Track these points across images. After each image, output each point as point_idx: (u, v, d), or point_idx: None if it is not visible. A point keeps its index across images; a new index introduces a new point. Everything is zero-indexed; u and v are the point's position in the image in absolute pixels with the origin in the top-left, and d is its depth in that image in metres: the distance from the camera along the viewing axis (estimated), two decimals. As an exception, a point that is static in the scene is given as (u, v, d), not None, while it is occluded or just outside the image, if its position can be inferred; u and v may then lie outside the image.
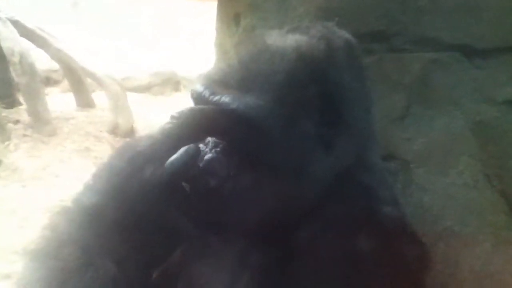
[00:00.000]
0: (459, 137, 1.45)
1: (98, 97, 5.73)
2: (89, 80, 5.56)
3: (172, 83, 7.09)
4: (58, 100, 5.72)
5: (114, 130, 5.06)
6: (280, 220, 1.07)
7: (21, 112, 5.06)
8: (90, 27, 7.85)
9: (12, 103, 5.10)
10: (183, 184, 1.03)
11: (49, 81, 6.36)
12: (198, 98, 1.09)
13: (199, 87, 1.09)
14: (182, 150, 1.00)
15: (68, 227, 1.11)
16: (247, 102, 1.02)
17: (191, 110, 1.06)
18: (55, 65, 5.83)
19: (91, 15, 8.30)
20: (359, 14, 1.43)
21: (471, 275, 1.44)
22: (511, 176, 1.43)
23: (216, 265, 1.14)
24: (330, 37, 1.13)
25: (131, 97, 5.60)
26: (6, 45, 4.85)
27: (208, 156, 1.04)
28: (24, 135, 4.80)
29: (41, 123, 4.89)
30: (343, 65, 1.12)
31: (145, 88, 6.80)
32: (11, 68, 4.91)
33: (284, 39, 1.11)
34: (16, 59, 4.77)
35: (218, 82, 1.08)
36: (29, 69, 4.81)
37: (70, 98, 5.68)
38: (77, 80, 5.56)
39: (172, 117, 1.05)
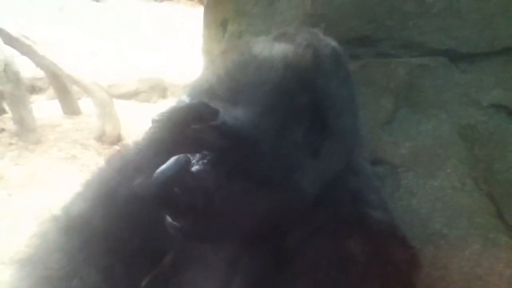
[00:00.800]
0: (446, 141, 1.46)
1: (84, 104, 5.69)
2: (75, 87, 5.52)
3: (159, 89, 7.07)
4: (44, 108, 5.67)
5: (101, 137, 5.04)
6: (270, 227, 1.08)
7: (6, 120, 5.02)
8: (77, 32, 7.80)
9: (-3, 112, 5.06)
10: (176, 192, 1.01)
11: (34, 88, 6.32)
12: None
13: (185, 98, 1.09)
14: (172, 159, 0.98)
15: (56, 235, 1.10)
16: (234, 115, 1.02)
17: (171, 110, 1.04)
18: (40, 73, 5.78)
19: (79, 19, 8.26)
20: (346, 19, 1.44)
21: (460, 277, 1.45)
22: (497, 178, 1.44)
23: (207, 271, 1.14)
24: (316, 44, 1.13)
25: (118, 104, 5.57)
26: (-10, 53, 4.82)
27: (195, 168, 1.03)
28: (10, 144, 4.76)
29: (26, 131, 4.85)
30: (330, 73, 1.12)
31: (132, 95, 6.77)
32: (-5, 76, 4.87)
33: (271, 48, 1.10)
34: (0, 67, 4.73)
35: (205, 93, 1.07)
36: (13, 77, 4.77)
37: (56, 106, 5.63)
38: (63, 88, 5.52)
39: (153, 120, 1.04)
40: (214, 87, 1.07)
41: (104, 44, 7.70)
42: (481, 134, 1.45)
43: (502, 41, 1.43)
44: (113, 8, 9.00)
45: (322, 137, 1.09)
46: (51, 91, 6.02)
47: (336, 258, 1.05)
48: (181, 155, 1.00)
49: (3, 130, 4.88)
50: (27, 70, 5.62)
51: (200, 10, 1.97)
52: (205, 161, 1.04)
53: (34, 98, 6.01)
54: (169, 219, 1.04)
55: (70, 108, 5.61)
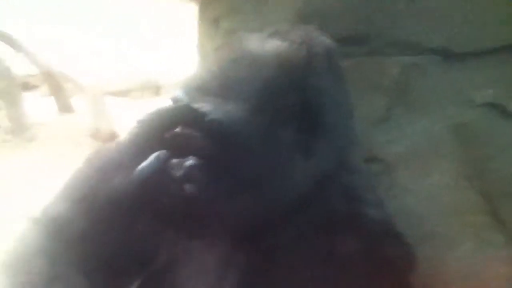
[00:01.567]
0: (439, 139, 1.46)
1: (78, 101, 5.68)
2: (68, 85, 5.51)
3: (153, 87, 7.06)
4: (37, 105, 5.66)
5: (94, 135, 5.03)
6: (261, 225, 1.07)
7: (0, 118, 5.00)
8: (71, 30, 7.77)
9: (-10, 109, 5.04)
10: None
11: (27, 86, 6.30)
12: (176, 103, 1.09)
13: (178, 94, 1.09)
14: (152, 156, 0.98)
15: (37, 239, 1.07)
16: (226, 110, 1.02)
17: (156, 111, 1.04)
18: (33, 70, 5.77)
19: (72, 17, 8.22)
20: (338, 17, 1.44)
21: (455, 275, 1.45)
22: (491, 177, 1.44)
23: (198, 270, 1.14)
24: (310, 42, 1.13)
25: (111, 101, 5.57)
26: (-18, 51, 4.80)
27: (189, 162, 1.03)
28: (4, 141, 4.74)
29: (20, 128, 4.84)
30: (323, 71, 1.13)
31: (125, 93, 6.76)
32: (-12, 74, 4.85)
33: (264, 45, 1.11)
34: (-7, 64, 4.71)
35: (198, 88, 1.07)
36: (6, 74, 4.76)
37: (49, 103, 5.62)
38: (56, 85, 5.52)
39: (138, 121, 1.03)
40: (208, 83, 1.08)
41: (97, 41, 7.67)
42: (474, 132, 1.45)
43: (493, 40, 1.43)
44: (105, 5, 8.97)
45: (314, 135, 1.09)
46: (44, 89, 6.01)
47: (331, 256, 1.05)
48: (161, 152, 0.99)
49: (-4, 127, 4.88)
50: (21, 67, 5.60)
51: (193, 7, 1.96)
52: (192, 159, 1.03)
53: (27, 95, 5.98)
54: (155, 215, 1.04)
55: (64, 106, 5.60)
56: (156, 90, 7.03)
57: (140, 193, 0.98)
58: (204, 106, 1.03)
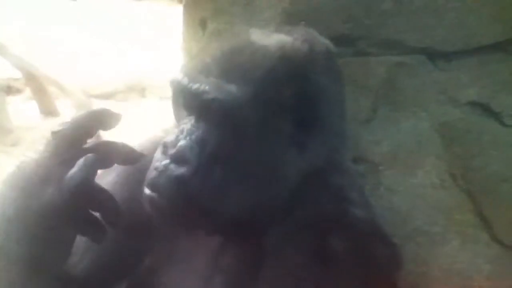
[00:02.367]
0: (425, 138, 1.47)
1: (63, 105, 5.63)
2: (52, 88, 5.46)
3: (138, 89, 7.02)
4: (21, 109, 5.60)
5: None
6: (250, 219, 1.08)
7: (-17, 122, 4.95)
8: (55, 31, 7.70)
9: (-28, 113, 4.98)
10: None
11: (11, 89, 6.23)
12: (177, 85, 1.10)
13: (178, 75, 1.10)
14: (80, 161, 0.95)
15: None
16: (227, 91, 1.03)
17: (71, 121, 1.01)
18: (16, 74, 5.71)
19: (57, 18, 8.15)
20: (324, 18, 1.44)
21: (440, 273, 1.47)
22: (475, 175, 1.46)
23: (187, 271, 1.13)
24: (312, 41, 1.15)
25: (96, 104, 5.53)
26: (-36, 54, 4.74)
27: (182, 142, 1.04)
28: (-14, 145, 4.69)
29: (3, 132, 4.78)
30: (323, 69, 1.14)
31: (110, 95, 6.71)
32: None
33: (268, 38, 1.12)
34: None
35: (199, 70, 1.08)
36: (-12, 78, 4.71)
37: (33, 107, 5.56)
38: (40, 88, 5.46)
39: (53, 132, 0.99)
40: (209, 65, 1.08)
41: (81, 43, 7.62)
42: (459, 131, 1.47)
43: (477, 39, 1.45)
44: (92, 7, 8.90)
45: (309, 131, 1.10)
46: (28, 92, 5.95)
47: (317, 255, 1.06)
48: (88, 156, 0.96)
49: (-21, 132, 4.81)
50: (3, 70, 5.54)
51: (179, 9, 1.95)
52: (192, 137, 1.05)
53: (10, 99, 5.91)
54: (146, 190, 1.04)
55: (48, 109, 5.54)
56: (141, 91, 6.99)
57: (74, 201, 0.94)
58: (204, 85, 1.04)
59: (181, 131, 1.07)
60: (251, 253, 1.09)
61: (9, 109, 4.97)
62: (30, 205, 0.97)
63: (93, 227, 1.00)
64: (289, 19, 1.42)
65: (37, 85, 5.41)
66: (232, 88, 1.03)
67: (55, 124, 1.01)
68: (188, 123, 1.09)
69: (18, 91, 6.36)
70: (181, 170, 1.02)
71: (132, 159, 1.02)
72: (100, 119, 1.01)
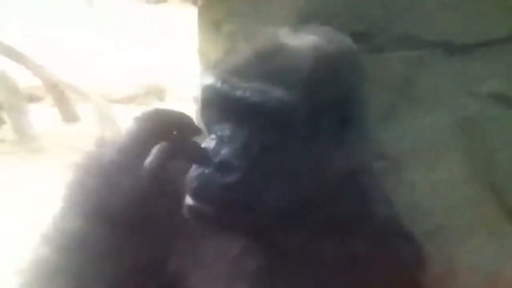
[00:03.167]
0: (446, 133, 1.46)
1: (83, 110, 5.69)
2: (73, 94, 5.53)
3: (157, 93, 7.07)
4: (43, 116, 5.68)
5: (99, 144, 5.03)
6: (286, 219, 1.07)
7: (5, 131, 5.02)
8: (73, 36, 7.79)
9: (-5, 123, 5.06)
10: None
11: (32, 97, 6.32)
12: (213, 91, 1.08)
13: (211, 79, 1.08)
14: (155, 149, 0.97)
15: (53, 256, 1.04)
16: (271, 95, 1.02)
17: (155, 111, 1.03)
18: (37, 81, 5.79)
19: (73, 23, 8.25)
20: (340, 16, 1.44)
21: (465, 269, 1.45)
22: (499, 169, 1.44)
23: (209, 274, 1.13)
24: (337, 40, 1.16)
25: (116, 109, 5.58)
26: (-15, 64, 4.82)
27: (225, 150, 1.03)
28: (10, 153, 4.76)
29: (26, 140, 4.85)
30: (352, 67, 1.16)
31: (130, 99, 6.77)
32: (-8, 87, 4.87)
33: (297, 39, 1.11)
34: (-3, 77, 4.74)
35: (231, 72, 1.07)
36: (10, 87, 4.77)
37: (54, 114, 5.64)
38: (60, 95, 5.53)
39: (135, 118, 1.02)
40: (242, 68, 1.07)
41: (100, 48, 7.69)
42: (480, 125, 1.45)
43: (495, 30, 1.43)
44: (107, 11, 8.99)
45: (348, 129, 1.10)
46: (49, 99, 6.03)
47: (342, 255, 1.05)
48: (162, 144, 0.98)
49: (2, 140, 4.89)
50: (24, 79, 5.62)
51: (193, 11, 1.96)
52: (236, 141, 1.03)
53: (32, 106, 6.00)
54: (189, 201, 1.03)
55: (69, 115, 5.62)
56: (160, 94, 7.03)
57: (153, 189, 0.97)
58: (248, 91, 1.03)
59: (221, 138, 1.05)
60: (274, 255, 1.09)
61: (30, 116, 5.04)
62: (109, 194, 1.00)
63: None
64: (304, 18, 1.42)
65: (57, 92, 5.49)
66: (276, 92, 1.02)
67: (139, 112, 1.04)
68: (226, 129, 1.06)
69: (39, 98, 6.45)
70: (229, 178, 1.01)
71: (201, 158, 1.02)
72: (181, 123, 1.03)
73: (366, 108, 1.20)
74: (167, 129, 1.02)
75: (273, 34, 1.13)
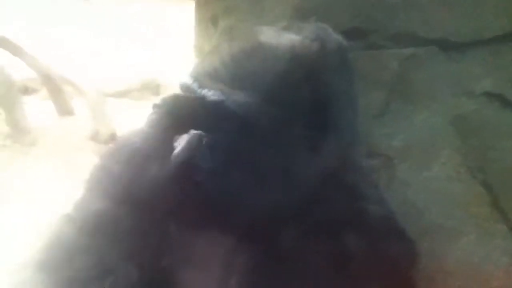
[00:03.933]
0: (439, 131, 1.46)
1: (78, 104, 5.66)
2: (68, 87, 5.50)
3: (152, 87, 7.03)
4: (37, 109, 5.64)
5: (94, 137, 5.01)
6: (266, 220, 1.07)
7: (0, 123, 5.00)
8: (69, 31, 7.76)
9: (-11, 114, 5.03)
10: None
11: (27, 90, 6.27)
12: (186, 90, 1.09)
13: (188, 80, 1.09)
14: (184, 139, 0.98)
15: (76, 235, 1.05)
16: (236, 99, 1.02)
17: (174, 97, 1.03)
18: (32, 74, 5.75)
19: (70, 18, 8.21)
20: (335, 12, 1.44)
21: (457, 267, 1.45)
22: (492, 167, 1.44)
23: (202, 273, 1.13)
24: (324, 38, 1.14)
25: (111, 102, 5.55)
26: (-21, 56, 4.79)
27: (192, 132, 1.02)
28: (3, 146, 4.73)
29: (20, 133, 4.83)
30: (335, 68, 1.14)
31: (124, 93, 6.73)
32: (-14, 79, 4.84)
33: (278, 38, 1.11)
34: (-10, 69, 4.70)
35: (208, 76, 1.08)
36: (5, 79, 4.75)
37: (49, 107, 5.60)
38: (56, 88, 5.49)
39: (155, 105, 1.02)
40: (219, 71, 1.08)
41: (95, 43, 7.66)
42: (474, 123, 1.45)
43: (490, 30, 1.43)
44: (103, 7, 8.95)
45: (322, 132, 1.09)
46: (44, 92, 5.99)
47: (334, 253, 1.06)
48: (193, 133, 0.98)
49: (-4, 132, 4.87)
50: (19, 71, 5.58)
51: (190, 7, 1.96)
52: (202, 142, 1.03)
53: (27, 99, 5.96)
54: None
55: (64, 109, 5.57)
56: (156, 89, 7.00)
57: (180, 178, 0.98)
58: (215, 94, 1.04)
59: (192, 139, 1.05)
60: (267, 254, 1.09)
61: (25, 109, 5.01)
62: (137, 179, 1.01)
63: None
64: (300, 15, 1.42)
65: (52, 85, 5.44)
66: (243, 94, 1.03)
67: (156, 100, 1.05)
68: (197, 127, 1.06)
69: (34, 91, 6.41)
70: (194, 177, 1.01)
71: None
72: (198, 103, 1.04)
73: (354, 106, 1.20)
74: (186, 114, 1.03)
75: (253, 35, 1.13)
